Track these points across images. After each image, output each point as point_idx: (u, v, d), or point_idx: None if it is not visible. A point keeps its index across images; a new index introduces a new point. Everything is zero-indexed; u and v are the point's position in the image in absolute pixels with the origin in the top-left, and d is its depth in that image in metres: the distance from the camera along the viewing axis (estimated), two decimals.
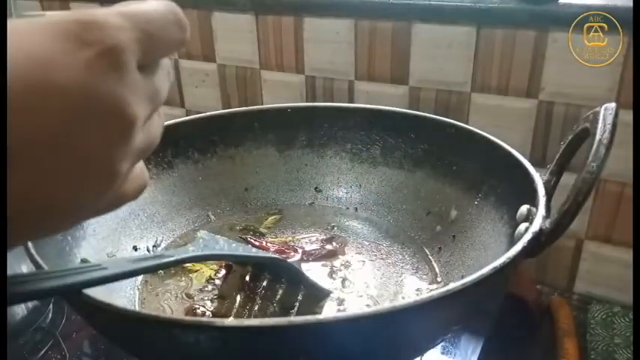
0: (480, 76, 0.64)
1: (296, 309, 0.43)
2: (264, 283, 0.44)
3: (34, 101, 0.17)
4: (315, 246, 0.54)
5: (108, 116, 0.19)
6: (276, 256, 0.46)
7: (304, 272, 0.45)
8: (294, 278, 0.44)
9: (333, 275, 0.50)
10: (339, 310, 0.45)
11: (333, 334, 0.31)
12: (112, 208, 0.24)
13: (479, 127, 0.53)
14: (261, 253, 0.46)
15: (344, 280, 0.50)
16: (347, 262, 0.52)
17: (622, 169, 0.59)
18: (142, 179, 0.25)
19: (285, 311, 0.43)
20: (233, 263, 0.46)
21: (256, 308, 0.43)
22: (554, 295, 0.65)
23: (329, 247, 0.54)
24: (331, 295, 0.47)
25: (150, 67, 0.22)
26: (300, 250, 0.53)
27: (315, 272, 0.50)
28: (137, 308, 0.47)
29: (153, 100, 0.22)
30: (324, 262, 0.52)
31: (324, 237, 0.57)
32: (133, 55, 0.20)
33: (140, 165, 0.25)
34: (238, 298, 0.45)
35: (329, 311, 0.45)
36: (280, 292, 0.44)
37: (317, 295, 0.46)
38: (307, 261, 0.52)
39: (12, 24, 0.18)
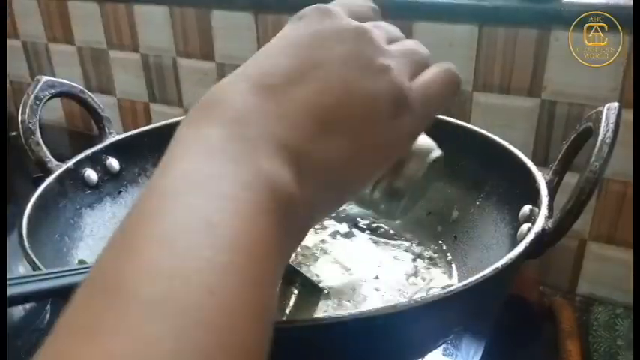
0: (481, 74, 0.64)
1: (290, 307, 0.43)
2: None
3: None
4: None
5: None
6: None
7: (301, 271, 0.45)
8: (289, 276, 0.44)
9: (332, 273, 0.50)
10: (338, 310, 0.45)
11: (334, 335, 0.30)
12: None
13: (481, 127, 0.53)
14: None
15: (343, 278, 0.49)
16: (346, 262, 0.52)
17: (625, 168, 0.58)
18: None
19: (279, 309, 0.43)
20: None
21: None
22: (557, 296, 0.64)
23: None
24: (326, 293, 0.47)
25: None
26: None
27: (314, 269, 0.50)
28: None
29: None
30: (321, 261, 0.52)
31: None
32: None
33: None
34: None
35: (328, 310, 0.45)
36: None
37: (312, 293, 0.46)
38: None
39: None
